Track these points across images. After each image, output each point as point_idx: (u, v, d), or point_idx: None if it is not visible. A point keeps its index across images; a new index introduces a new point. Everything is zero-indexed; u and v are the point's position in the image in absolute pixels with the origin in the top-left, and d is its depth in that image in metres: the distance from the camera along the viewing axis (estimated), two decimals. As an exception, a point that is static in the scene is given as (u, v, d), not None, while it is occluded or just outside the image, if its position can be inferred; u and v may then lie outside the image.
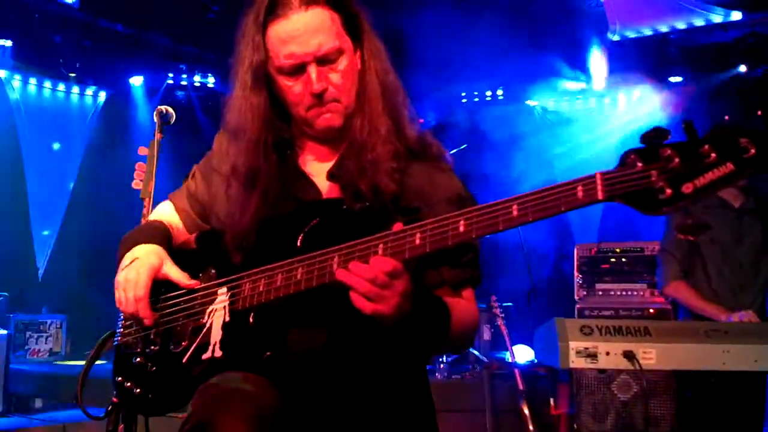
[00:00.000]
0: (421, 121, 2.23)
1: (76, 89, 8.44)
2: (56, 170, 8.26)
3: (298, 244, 1.92)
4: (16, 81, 8.01)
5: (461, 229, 1.66)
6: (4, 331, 6.34)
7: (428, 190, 2.06)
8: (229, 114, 2.18)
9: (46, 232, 8.11)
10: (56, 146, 8.16)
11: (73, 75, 8.07)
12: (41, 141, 8.12)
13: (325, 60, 2.03)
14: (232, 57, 2.16)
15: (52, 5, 7.53)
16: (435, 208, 1.96)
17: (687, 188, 1.43)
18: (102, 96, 8.57)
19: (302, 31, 2.00)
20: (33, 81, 8.15)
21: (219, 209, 2.21)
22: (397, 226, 1.75)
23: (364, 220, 1.94)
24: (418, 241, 1.71)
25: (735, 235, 4.45)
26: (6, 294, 7.12)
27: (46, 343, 7.33)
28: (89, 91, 8.52)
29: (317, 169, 2.16)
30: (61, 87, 8.36)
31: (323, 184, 2.12)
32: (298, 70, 2.04)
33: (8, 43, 7.53)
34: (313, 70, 2.02)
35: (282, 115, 2.17)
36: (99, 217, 7.87)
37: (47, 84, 8.25)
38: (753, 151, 1.39)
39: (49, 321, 7.39)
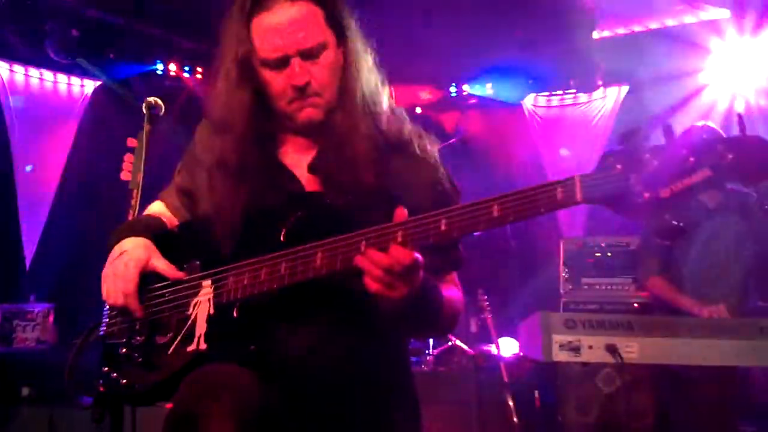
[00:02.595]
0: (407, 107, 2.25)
1: (64, 78, 8.39)
2: (44, 160, 8.22)
3: (282, 238, 1.95)
4: (4, 70, 7.97)
5: (442, 227, 1.70)
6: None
7: (408, 181, 2.09)
8: (214, 106, 2.20)
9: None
10: (28, 168, 8.14)
11: (63, 63, 8.03)
12: (29, 130, 8.08)
13: (308, 54, 2.06)
14: (216, 48, 2.18)
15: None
16: (415, 199, 1.98)
17: (665, 192, 1.47)
18: (91, 85, 8.53)
19: (287, 24, 2.03)
20: (20, 70, 8.10)
21: (204, 202, 2.23)
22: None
23: (347, 214, 1.97)
24: (399, 239, 1.74)
25: (709, 234, 4.51)
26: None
27: (33, 332, 7.31)
28: (78, 81, 8.47)
29: (296, 161, 2.18)
30: (50, 77, 8.31)
31: (304, 177, 2.14)
32: (281, 63, 2.06)
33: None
34: (296, 63, 2.04)
35: (263, 108, 2.18)
36: (88, 207, 7.85)
37: (35, 73, 8.20)
38: (730, 157, 1.43)
39: (36, 309, 7.37)
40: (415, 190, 2.06)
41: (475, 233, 1.76)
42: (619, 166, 1.50)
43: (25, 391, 6.67)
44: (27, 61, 8.05)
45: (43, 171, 8.19)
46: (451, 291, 2.09)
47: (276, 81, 2.09)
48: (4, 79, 7.93)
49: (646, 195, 1.47)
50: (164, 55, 8.56)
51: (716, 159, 1.43)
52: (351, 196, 2.02)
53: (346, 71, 2.14)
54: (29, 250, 8.04)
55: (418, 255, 1.73)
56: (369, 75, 2.17)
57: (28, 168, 8.08)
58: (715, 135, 4.34)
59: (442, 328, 2.22)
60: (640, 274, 4.97)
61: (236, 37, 2.11)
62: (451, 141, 6.71)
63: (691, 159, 1.46)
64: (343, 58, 2.14)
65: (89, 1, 7.66)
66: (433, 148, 2.18)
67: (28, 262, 8.04)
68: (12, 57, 7.92)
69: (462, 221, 1.68)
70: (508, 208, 1.62)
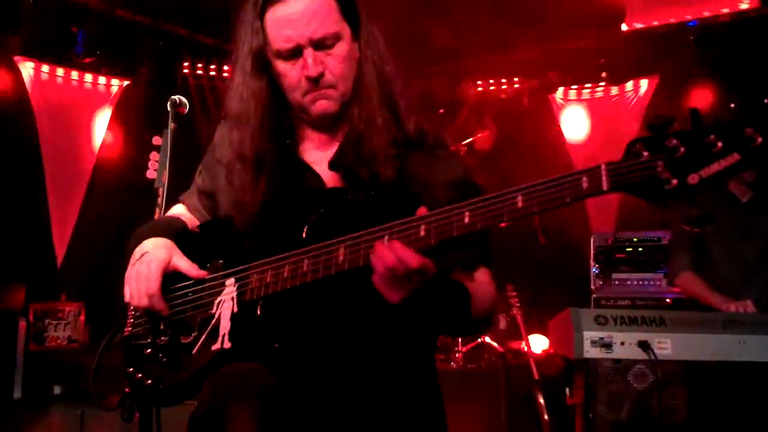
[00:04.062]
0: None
1: (91, 77, 8.45)
2: (74, 159, 8.30)
3: (303, 234, 1.93)
4: (34, 69, 8.05)
5: (466, 220, 1.66)
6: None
7: (428, 178, 2.06)
8: (231, 100, 2.19)
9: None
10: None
11: (89, 62, 8.11)
12: (58, 130, 8.15)
13: (321, 45, 2.03)
14: (232, 44, 2.17)
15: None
16: (435, 195, 1.96)
17: (693, 179, 1.42)
18: (119, 84, 8.59)
19: (299, 15, 2.01)
20: (49, 70, 8.17)
21: (224, 199, 2.21)
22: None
23: (368, 209, 1.94)
24: (422, 233, 1.71)
25: (741, 229, 4.42)
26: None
27: (64, 331, 7.38)
28: (105, 80, 8.54)
29: (318, 157, 2.16)
30: (78, 76, 8.38)
31: (325, 174, 2.12)
32: (294, 54, 2.04)
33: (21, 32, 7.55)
34: (309, 54, 2.03)
35: (281, 104, 2.16)
36: (116, 206, 7.91)
37: (63, 73, 8.27)
38: (760, 140, 1.37)
39: (67, 309, 7.44)
40: (435, 187, 2.04)
41: (501, 225, 1.71)
42: (645, 153, 1.46)
43: (56, 389, 6.75)
44: (53, 60, 8.12)
45: (73, 170, 8.26)
46: (482, 289, 2.05)
47: (290, 73, 2.07)
48: (31, 78, 8.00)
49: (675, 182, 1.43)
50: (191, 56, 8.61)
51: (746, 142, 1.38)
52: (372, 192, 1.99)
53: (361, 64, 2.12)
54: (60, 249, 8.12)
55: (426, 260, 1.70)
56: (385, 68, 2.14)
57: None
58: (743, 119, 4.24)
59: (470, 328, 2.20)
60: (671, 269, 4.88)
61: (250, 30, 2.10)
62: (477, 137, 6.67)
63: (719, 144, 1.40)
64: (359, 50, 2.12)
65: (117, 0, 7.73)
66: (452, 143, 2.16)
67: (59, 261, 8.11)
68: (39, 56, 7.99)
69: (486, 213, 1.64)
70: (533, 198, 1.58)
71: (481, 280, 2.09)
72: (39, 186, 7.96)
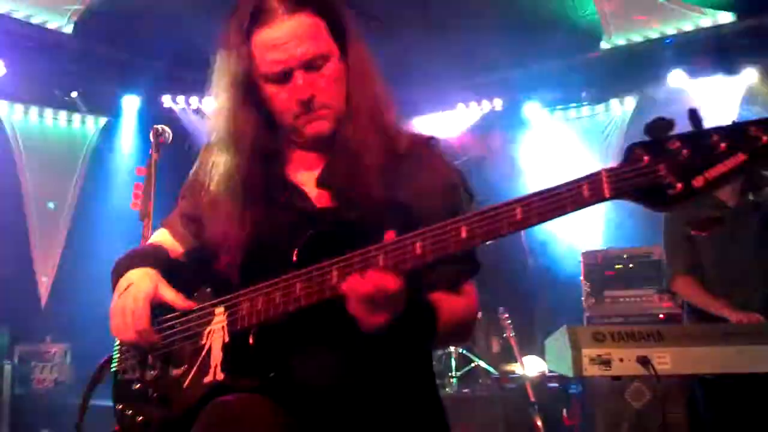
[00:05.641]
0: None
1: (73, 115, 8.43)
2: (56, 196, 8.24)
3: (294, 258, 1.87)
4: (14, 110, 8.01)
5: (463, 235, 1.61)
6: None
7: (420, 190, 2.01)
8: (217, 125, 2.13)
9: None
10: (51, 205, 8.16)
11: (71, 99, 8.09)
12: (41, 168, 8.10)
13: (311, 66, 1.99)
14: (213, 66, 2.12)
15: (46, 33, 7.55)
16: (428, 206, 1.92)
17: (698, 182, 1.37)
18: (101, 122, 8.56)
19: (287, 38, 1.96)
20: (30, 110, 8.15)
21: (210, 226, 2.15)
22: (389, 235, 1.70)
23: (359, 228, 1.89)
24: (419, 251, 1.65)
25: (729, 233, 4.40)
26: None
27: (51, 373, 7.28)
28: (87, 118, 8.52)
29: (305, 178, 2.11)
30: (59, 114, 8.36)
31: (313, 193, 2.07)
32: (284, 77, 2.00)
33: (3, 71, 7.51)
34: (299, 77, 1.98)
35: (267, 126, 2.11)
36: (100, 242, 7.83)
37: (45, 112, 8.25)
38: (765, 139, 1.33)
39: (53, 350, 7.34)
40: (427, 197, 1.99)
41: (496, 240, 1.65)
42: (646, 158, 1.41)
43: (43, 432, 6.63)
44: (35, 100, 8.09)
45: (54, 209, 8.20)
46: (456, 305, 2.00)
47: (279, 96, 2.02)
48: (15, 119, 7.97)
49: (679, 186, 1.38)
50: (172, 88, 8.60)
51: (751, 142, 1.33)
52: (362, 210, 1.94)
53: (352, 81, 2.07)
54: (44, 290, 8.02)
55: (400, 280, 1.66)
56: (375, 84, 2.10)
57: (51, 205, 8.10)
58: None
59: (444, 342, 2.16)
60: (667, 272, 4.84)
61: (236, 55, 2.04)
62: (463, 159, 6.65)
63: (723, 144, 1.36)
64: (348, 68, 2.08)
65: (96, 38, 7.71)
66: (444, 152, 2.11)
67: (43, 302, 8.01)
68: (21, 97, 7.96)
69: (483, 227, 1.59)
70: (532, 209, 1.53)
71: (465, 291, 2.04)
72: (21, 226, 7.88)
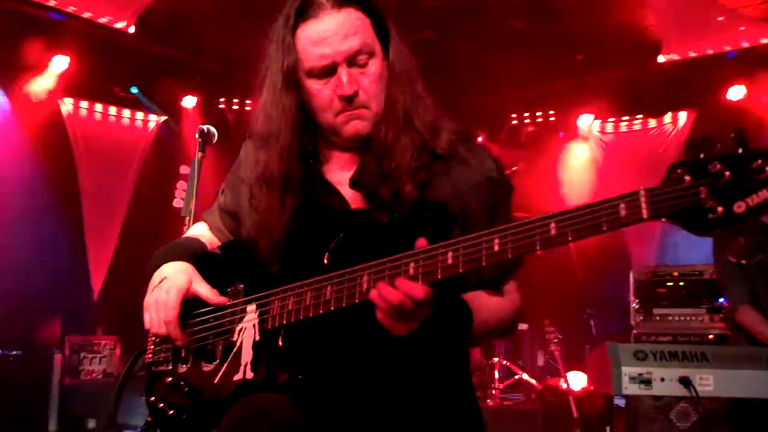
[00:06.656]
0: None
1: (129, 113, 8.58)
2: (111, 192, 8.40)
3: (325, 260, 1.87)
4: (76, 106, 8.18)
5: (495, 248, 1.58)
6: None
7: (456, 187, 2.00)
8: (260, 119, 2.13)
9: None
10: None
11: (129, 97, 8.24)
12: (96, 165, 8.26)
13: (355, 62, 1.98)
14: (262, 62, 2.12)
15: (109, 31, 7.72)
16: (465, 202, 1.95)
17: (739, 207, 1.31)
18: (155, 120, 8.70)
19: (334, 32, 1.96)
20: (91, 107, 8.31)
21: (248, 220, 2.16)
22: (420, 242, 1.69)
23: (392, 232, 1.88)
24: (450, 261, 1.63)
25: None
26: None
27: (100, 364, 7.39)
28: (142, 116, 8.66)
29: (342, 178, 2.09)
30: (116, 111, 8.52)
31: (349, 194, 2.06)
32: (328, 72, 1.99)
33: (65, 67, 7.68)
34: (343, 72, 1.97)
35: (307, 124, 2.11)
36: (151, 237, 7.95)
37: (102, 109, 8.41)
38: (809, 164, 1.28)
39: (103, 342, 7.46)
40: (464, 195, 1.98)
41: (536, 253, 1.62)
42: (687, 178, 1.36)
43: (90, 423, 6.74)
44: (92, 96, 8.25)
45: (110, 204, 8.35)
46: (496, 305, 1.99)
47: (322, 92, 2.01)
48: (70, 114, 8.13)
49: (720, 210, 1.32)
50: (227, 90, 8.71)
51: (795, 167, 1.28)
52: (396, 213, 1.93)
53: (392, 82, 2.06)
54: (96, 283, 8.17)
55: (429, 290, 1.65)
56: (414, 85, 2.09)
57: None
58: None
59: (483, 340, 2.13)
60: (729, 302, 4.69)
61: (282, 48, 2.03)
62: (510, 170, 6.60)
63: (767, 168, 1.30)
64: (389, 68, 2.07)
65: (155, 38, 7.85)
66: (479, 147, 2.09)
67: (95, 295, 8.16)
68: (81, 93, 8.13)
69: (517, 241, 1.56)
70: (567, 226, 1.49)
71: (507, 290, 2.03)
72: (76, 220, 8.04)
